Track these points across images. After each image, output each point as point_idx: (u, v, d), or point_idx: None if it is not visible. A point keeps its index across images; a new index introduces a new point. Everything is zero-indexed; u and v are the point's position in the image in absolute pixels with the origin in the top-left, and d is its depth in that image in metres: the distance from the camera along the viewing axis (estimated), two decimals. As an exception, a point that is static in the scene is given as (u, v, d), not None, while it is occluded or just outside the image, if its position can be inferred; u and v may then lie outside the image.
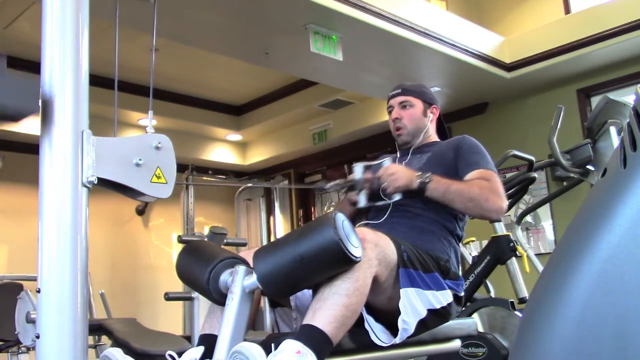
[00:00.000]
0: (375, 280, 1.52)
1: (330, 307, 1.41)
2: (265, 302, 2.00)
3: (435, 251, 1.88)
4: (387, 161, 2.11)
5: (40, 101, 1.17)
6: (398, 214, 2.00)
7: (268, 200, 7.50)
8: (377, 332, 1.60)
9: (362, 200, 2.06)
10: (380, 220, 2.01)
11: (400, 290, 1.61)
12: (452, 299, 1.80)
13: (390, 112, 2.25)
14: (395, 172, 1.98)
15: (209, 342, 1.50)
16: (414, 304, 1.64)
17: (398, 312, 1.60)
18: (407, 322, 1.61)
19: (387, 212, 2.02)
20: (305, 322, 1.41)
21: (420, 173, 1.98)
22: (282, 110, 6.65)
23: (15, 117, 1.18)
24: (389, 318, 1.62)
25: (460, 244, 2.10)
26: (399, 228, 1.92)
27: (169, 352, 1.48)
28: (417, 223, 1.96)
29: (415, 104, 2.22)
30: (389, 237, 1.63)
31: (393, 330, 1.61)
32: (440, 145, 2.21)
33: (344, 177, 2.13)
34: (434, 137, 2.27)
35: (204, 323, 1.64)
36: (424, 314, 1.67)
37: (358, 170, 2.10)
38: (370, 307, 1.60)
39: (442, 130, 2.32)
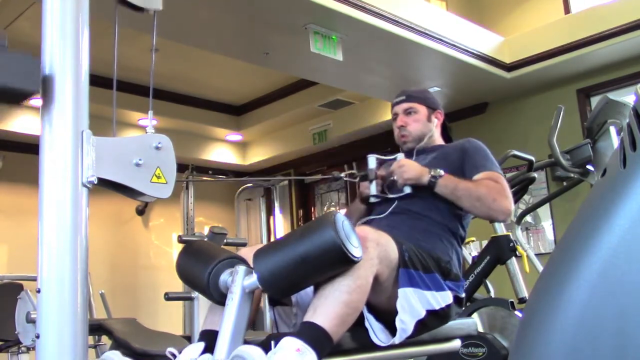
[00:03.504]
0: (376, 279, 1.53)
1: (331, 305, 1.41)
2: (265, 301, 2.01)
3: (436, 252, 1.88)
4: (400, 156, 2.15)
5: (39, 92, 1.17)
6: (402, 214, 2.01)
7: (268, 200, 7.49)
8: (376, 331, 1.60)
9: (372, 190, 2.10)
10: (383, 215, 2.02)
11: (398, 290, 1.61)
12: (452, 300, 1.80)
13: (395, 119, 2.27)
14: (406, 165, 2.02)
15: (209, 338, 1.51)
16: (412, 304, 1.64)
17: (397, 312, 1.60)
18: (405, 321, 1.61)
19: (391, 207, 2.03)
20: (305, 319, 1.42)
21: (432, 169, 2.00)
22: (282, 110, 6.65)
23: (17, 99, 1.17)
24: (388, 318, 1.62)
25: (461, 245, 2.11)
26: (402, 228, 1.92)
27: (169, 349, 1.48)
28: (420, 223, 1.97)
29: (419, 110, 2.24)
30: (390, 237, 1.63)
31: (392, 330, 1.61)
32: (445, 147, 2.24)
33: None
34: (438, 140, 2.30)
35: (205, 319, 1.64)
36: (422, 314, 1.67)
37: (371, 160, 2.14)
38: (370, 306, 1.60)
39: (447, 134, 2.34)
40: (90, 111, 1.22)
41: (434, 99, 2.32)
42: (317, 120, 6.73)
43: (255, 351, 1.28)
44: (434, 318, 1.73)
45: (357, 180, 2.17)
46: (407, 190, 2.03)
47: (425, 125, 2.24)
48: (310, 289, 1.64)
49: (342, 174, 2.23)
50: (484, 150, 2.15)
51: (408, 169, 2.01)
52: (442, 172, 1.98)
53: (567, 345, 0.63)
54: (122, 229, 6.84)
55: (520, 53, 5.12)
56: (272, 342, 1.36)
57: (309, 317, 1.41)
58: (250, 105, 6.96)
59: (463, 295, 1.89)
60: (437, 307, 1.72)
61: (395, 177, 2.03)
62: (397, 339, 1.60)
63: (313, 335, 1.37)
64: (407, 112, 2.23)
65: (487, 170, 2.05)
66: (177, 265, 1.61)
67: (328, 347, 1.39)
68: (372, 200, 2.12)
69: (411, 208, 2.02)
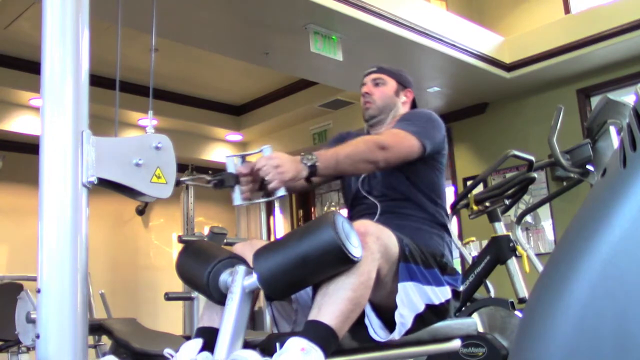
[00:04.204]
0: (376, 274, 1.52)
1: (336, 302, 1.41)
2: (264, 301, 1.99)
3: (430, 247, 1.87)
4: (266, 149, 1.74)
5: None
6: (386, 217, 1.94)
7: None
8: (375, 327, 1.59)
9: (236, 199, 1.73)
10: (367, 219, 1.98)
11: (399, 284, 1.61)
12: (451, 296, 1.80)
13: (362, 88, 2.19)
14: (281, 164, 1.65)
15: (207, 334, 1.50)
16: (412, 298, 1.64)
17: (396, 307, 1.60)
18: (404, 315, 1.61)
19: (376, 216, 1.95)
20: (310, 317, 1.42)
21: (302, 156, 1.72)
22: (282, 110, 6.65)
23: None
24: (387, 313, 1.62)
25: (460, 243, 2.09)
26: (391, 228, 1.90)
27: (167, 349, 1.48)
28: (407, 222, 1.93)
29: (388, 82, 2.17)
30: (391, 231, 1.62)
31: (391, 326, 1.61)
32: (397, 123, 2.08)
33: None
34: None
35: (202, 315, 1.64)
36: (421, 308, 1.67)
37: (230, 163, 1.77)
38: (369, 302, 1.59)
39: None
40: (90, 111, 1.23)
41: (406, 78, 2.24)
42: (317, 120, 6.73)
43: (251, 356, 1.28)
44: (433, 313, 1.73)
45: (210, 186, 1.80)
46: (282, 192, 1.68)
47: (391, 98, 2.15)
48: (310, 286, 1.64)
49: (187, 178, 1.85)
50: (415, 114, 2.05)
51: (285, 169, 1.65)
52: (313, 156, 1.71)
53: (567, 345, 0.63)
54: (122, 229, 6.84)
55: (520, 53, 5.12)
56: (277, 344, 1.36)
57: (314, 315, 1.41)
58: (250, 105, 6.96)
59: (461, 288, 1.89)
60: (436, 302, 1.72)
61: (268, 178, 1.65)
62: (396, 334, 1.60)
63: (318, 333, 1.37)
64: (375, 82, 2.17)
65: (398, 128, 1.91)
66: (177, 265, 1.61)
67: (334, 344, 1.39)
68: (238, 205, 1.77)
69: (394, 210, 1.96)
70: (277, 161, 1.66)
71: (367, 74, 2.22)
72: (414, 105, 2.24)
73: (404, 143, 1.85)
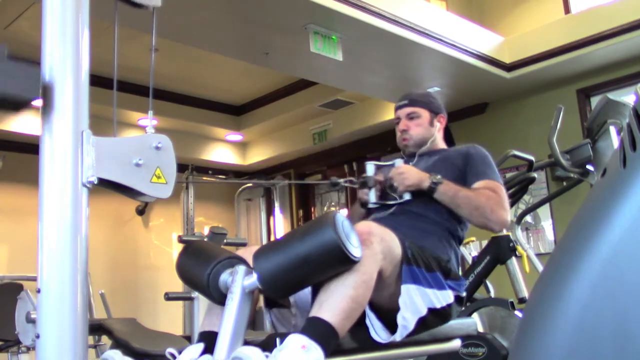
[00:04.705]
0: (379, 275, 1.53)
1: (337, 300, 1.41)
2: (264, 301, 2.00)
3: (436, 252, 1.88)
4: (398, 161, 2.16)
5: (40, 97, 1.17)
6: (401, 214, 2.02)
7: (268, 200, 7.49)
8: (377, 328, 1.60)
9: (372, 197, 2.10)
10: (383, 216, 2.03)
11: (402, 286, 1.61)
12: (453, 300, 1.81)
13: (397, 124, 2.29)
14: (406, 172, 2.03)
15: (208, 339, 1.51)
16: (415, 300, 1.64)
17: (398, 310, 1.60)
18: (407, 318, 1.61)
19: (392, 209, 2.05)
20: (311, 314, 1.42)
21: (431, 174, 2.01)
22: (282, 110, 6.65)
23: (17, 106, 1.17)
24: (389, 315, 1.62)
25: (460, 246, 2.12)
26: (401, 228, 1.92)
27: (169, 350, 1.48)
28: (419, 224, 1.98)
29: (422, 115, 2.25)
30: (394, 233, 1.63)
31: (393, 328, 1.61)
32: (448, 151, 2.25)
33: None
34: (441, 144, 2.31)
35: (204, 320, 1.64)
36: (424, 312, 1.67)
37: (370, 168, 2.16)
38: (371, 303, 1.60)
39: (449, 138, 2.35)
40: (90, 111, 1.22)
41: (437, 103, 2.33)
42: (317, 120, 6.73)
43: (254, 353, 1.28)
44: (435, 316, 1.73)
45: (356, 187, 2.19)
46: (407, 197, 2.03)
47: (427, 130, 2.25)
48: (309, 288, 1.64)
49: (341, 180, 2.24)
50: (488, 157, 2.17)
51: (409, 176, 2.02)
52: (441, 178, 2.00)
53: (567, 346, 0.63)
54: (122, 229, 6.84)
55: (520, 53, 5.12)
56: (278, 340, 1.36)
57: (315, 312, 1.41)
58: (250, 105, 6.96)
59: (464, 294, 1.90)
60: (438, 306, 1.73)
61: (395, 184, 2.04)
62: (397, 336, 1.60)
63: (319, 330, 1.37)
64: (410, 116, 2.25)
65: (489, 179, 2.08)
66: (177, 265, 1.61)
67: (334, 342, 1.40)
68: (372, 206, 2.13)
69: (411, 209, 2.03)
70: (403, 170, 2.05)
71: (399, 107, 2.29)
72: (447, 127, 2.35)
73: (504, 217, 2.03)
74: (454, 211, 2.02)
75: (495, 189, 2.05)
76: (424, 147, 2.24)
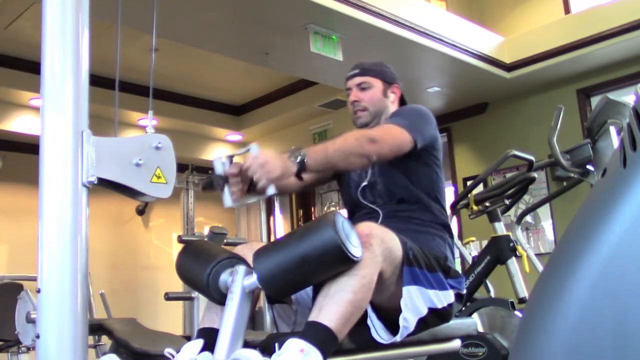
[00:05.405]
0: (379, 277, 1.52)
1: (337, 304, 1.41)
2: (264, 301, 1.99)
3: (433, 250, 1.86)
4: (254, 148, 1.66)
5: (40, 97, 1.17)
6: (387, 221, 1.90)
7: (268, 200, 7.49)
8: (378, 329, 1.59)
9: (226, 200, 1.66)
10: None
11: (403, 288, 1.61)
12: (454, 299, 1.80)
13: (348, 94, 2.11)
14: (268, 162, 1.60)
15: (208, 335, 1.50)
16: (416, 302, 1.64)
17: (399, 310, 1.59)
18: (408, 319, 1.61)
19: (380, 219, 1.93)
20: (310, 318, 1.41)
21: (291, 153, 1.67)
22: (282, 110, 6.65)
23: None
24: (390, 316, 1.62)
25: (460, 243, 2.07)
26: (393, 231, 1.89)
27: (167, 349, 1.48)
28: (410, 226, 1.91)
29: (374, 85, 2.08)
30: (395, 234, 1.62)
31: (394, 328, 1.61)
32: (387, 119, 2.05)
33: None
34: None
35: (203, 316, 1.64)
36: (424, 312, 1.67)
37: (217, 165, 1.69)
38: (372, 304, 1.59)
39: None
40: (90, 111, 1.22)
41: (391, 73, 2.16)
42: (317, 120, 6.73)
43: (253, 356, 1.28)
44: (436, 317, 1.73)
45: (200, 189, 1.77)
46: (272, 191, 1.61)
47: (380, 101, 2.07)
48: (310, 287, 1.64)
49: (196, 184, 1.87)
50: (405, 110, 2.01)
51: (272, 167, 1.59)
52: (303, 151, 1.67)
53: (567, 346, 0.63)
54: (122, 229, 6.84)
55: (520, 53, 5.12)
56: (276, 344, 1.36)
57: (314, 316, 1.41)
58: (250, 105, 6.96)
59: (464, 291, 1.88)
60: (439, 306, 1.72)
61: (256, 177, 1.59)
62: (398, 337, 1.60)
63: (318, 335, 1.37)
64: (361, 86, 2.07)
65: (390, 123, 1.87)
66: (177, 265, 1.61)
67: (333, 346, 1.39)
68: (234, 206, 1.70)
69: (397, 214, 1.94)
70: (263, 159, 1.60)
71: (349, 77, 2.11)
72: (402, 99, 2.17)
73: (394, 135, 1.81)
74: (425, 189, 1.90)
75: (385, 127, 1.85)
76: (376, 120, 2.07)
